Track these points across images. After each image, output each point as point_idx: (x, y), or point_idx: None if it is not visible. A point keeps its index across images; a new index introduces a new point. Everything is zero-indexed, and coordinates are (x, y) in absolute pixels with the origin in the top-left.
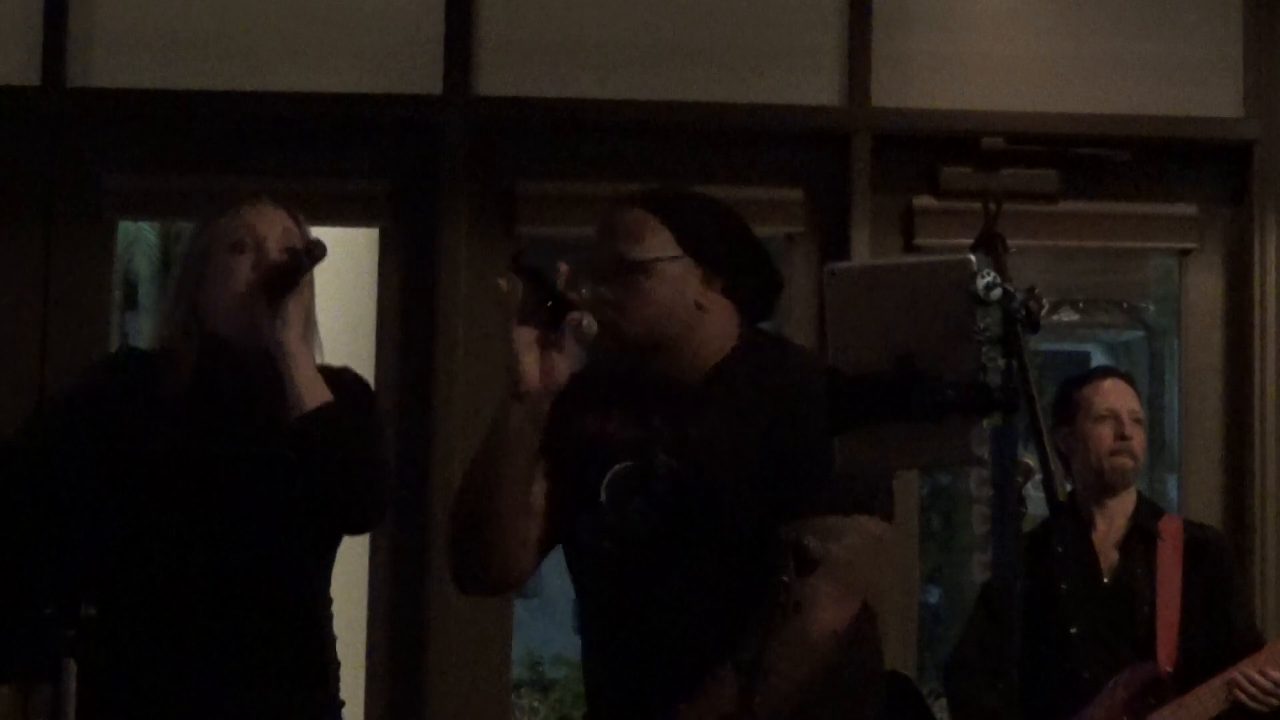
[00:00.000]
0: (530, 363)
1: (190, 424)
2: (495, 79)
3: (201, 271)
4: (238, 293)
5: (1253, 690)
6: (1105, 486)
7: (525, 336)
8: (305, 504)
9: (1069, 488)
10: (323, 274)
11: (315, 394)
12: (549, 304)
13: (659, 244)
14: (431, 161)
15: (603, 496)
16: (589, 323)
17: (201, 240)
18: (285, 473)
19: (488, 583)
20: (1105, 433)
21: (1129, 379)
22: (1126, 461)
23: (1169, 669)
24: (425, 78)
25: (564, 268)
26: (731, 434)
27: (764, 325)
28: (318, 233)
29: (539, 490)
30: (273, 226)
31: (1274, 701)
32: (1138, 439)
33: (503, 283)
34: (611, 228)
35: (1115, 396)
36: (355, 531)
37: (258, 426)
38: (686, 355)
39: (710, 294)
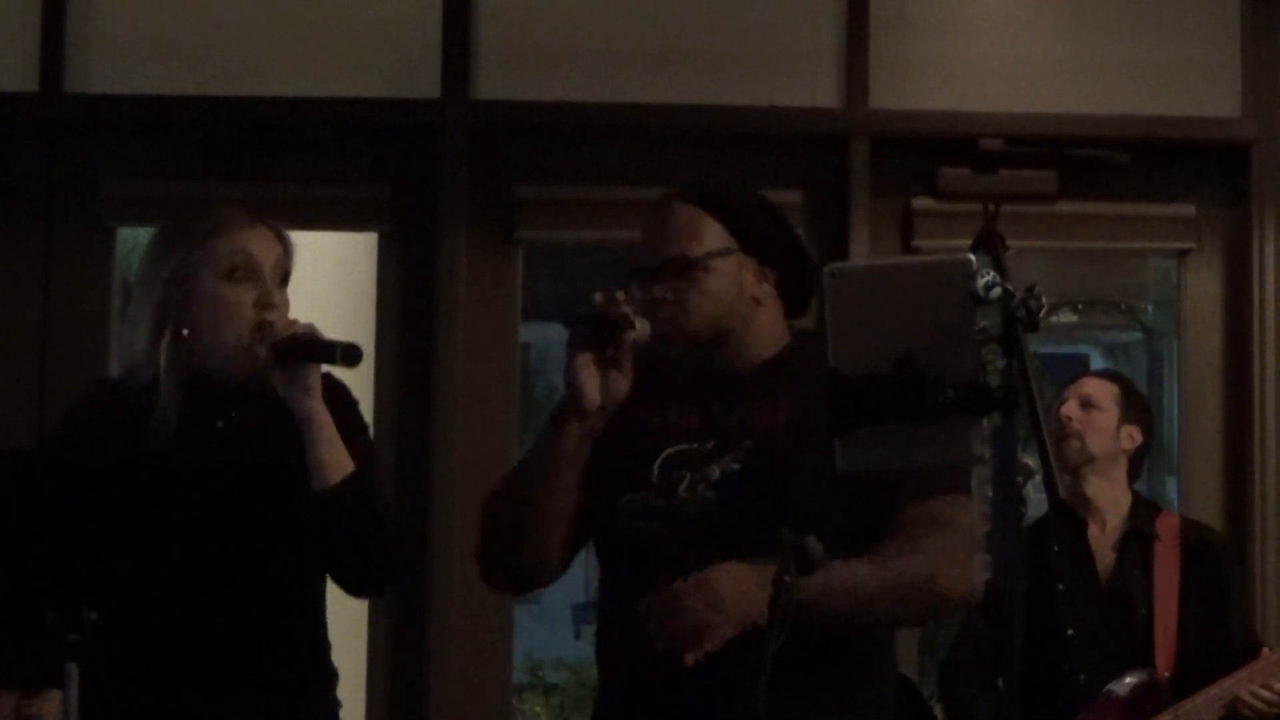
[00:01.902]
0: (590, 382)
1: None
2: (493, 83)
3: (188, 296)
4: (239, 330)
5: (1259, 705)
6: (1067, 469)
7: (583, 359)
8: (322, 570)
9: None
10: (322, 279)
11: (340, 465)
12: (601, 327)
13: (713, 239)
14: (430, 166)
15: (654, 476)
16: (642, 328)
17: (185, 260)
18: (285, 478)
19: (520, 584)
20: (1055, 421)
21: (1108, 374)
22: (1070, 441)
23: (1167, 674)
24: (424, 82)
25: (620, 295)
26: (801, 423)
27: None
28: (316, 238)
29: (580, 492)
30: (268, 253)
31: (1276, 713)
32: (1079, 419)
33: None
34: (663, 225)
35: (1070, 389)
36: (367, 596)
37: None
38: (744, 348)
39: (764, 286)
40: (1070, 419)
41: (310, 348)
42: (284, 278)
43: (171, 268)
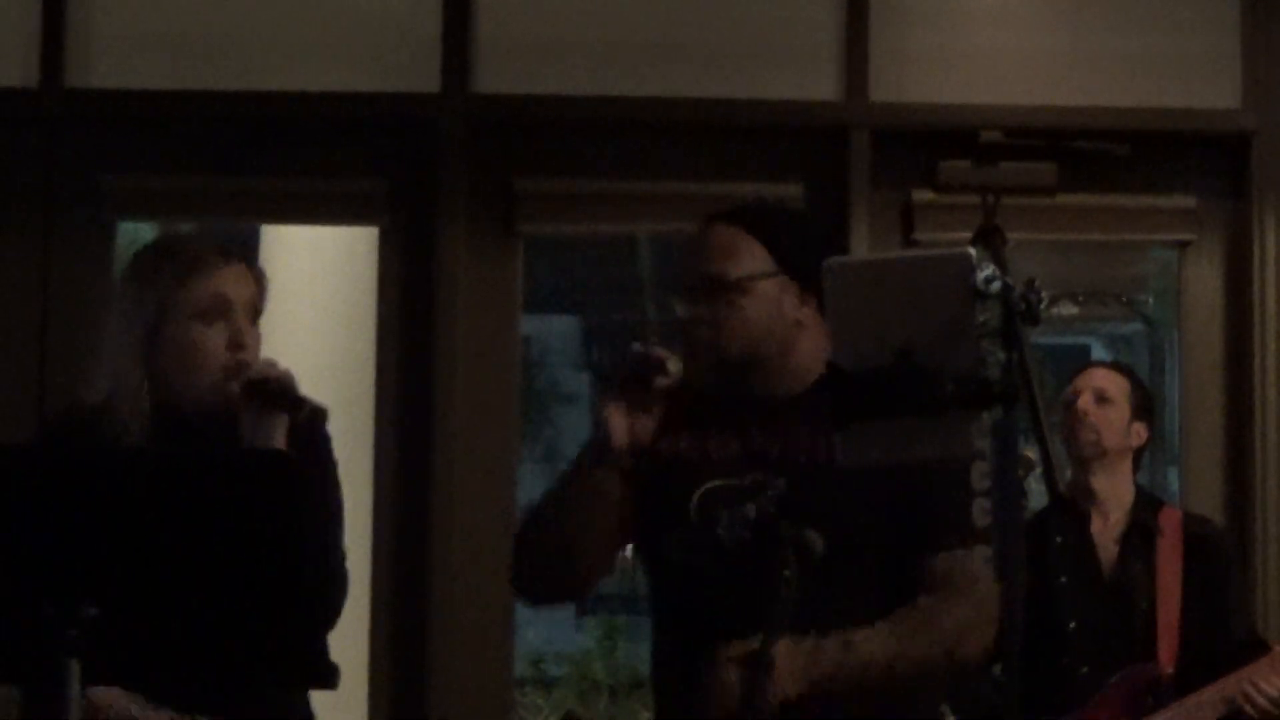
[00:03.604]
0: (618, 427)
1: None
2: (493, 77)
3: (159, 334)
4: (210, 371)
5: (1261, 700)
6: (1079, 461)
7: (614, 405)
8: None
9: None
10: (322, 273)
11: None
12: (638, 376)
13: (754, 261)
14: (430, 160)
15: (693, 513)
16: (675, 368)
17: (154, 296)
18: (283, 472)
19: (551, 599)
20: (1070, 414)
21: (1117, 366)
22: (1085, 434)
23: (1170, 669)
24: (423, 76)
25: (647, 346)
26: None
27: None
28: (317, 233)
29: (616, 512)
30: (241, 291)
31: (1276, 710)
32: (1096, 414)
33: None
34: (704, 245)
35: (1083, 379)
36: (317, 630)
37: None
38: (785, 373)
39: (806, 310)
40: (1086, 412)
41: (279, 397)
42: (256, 315)
43: (150, 309)
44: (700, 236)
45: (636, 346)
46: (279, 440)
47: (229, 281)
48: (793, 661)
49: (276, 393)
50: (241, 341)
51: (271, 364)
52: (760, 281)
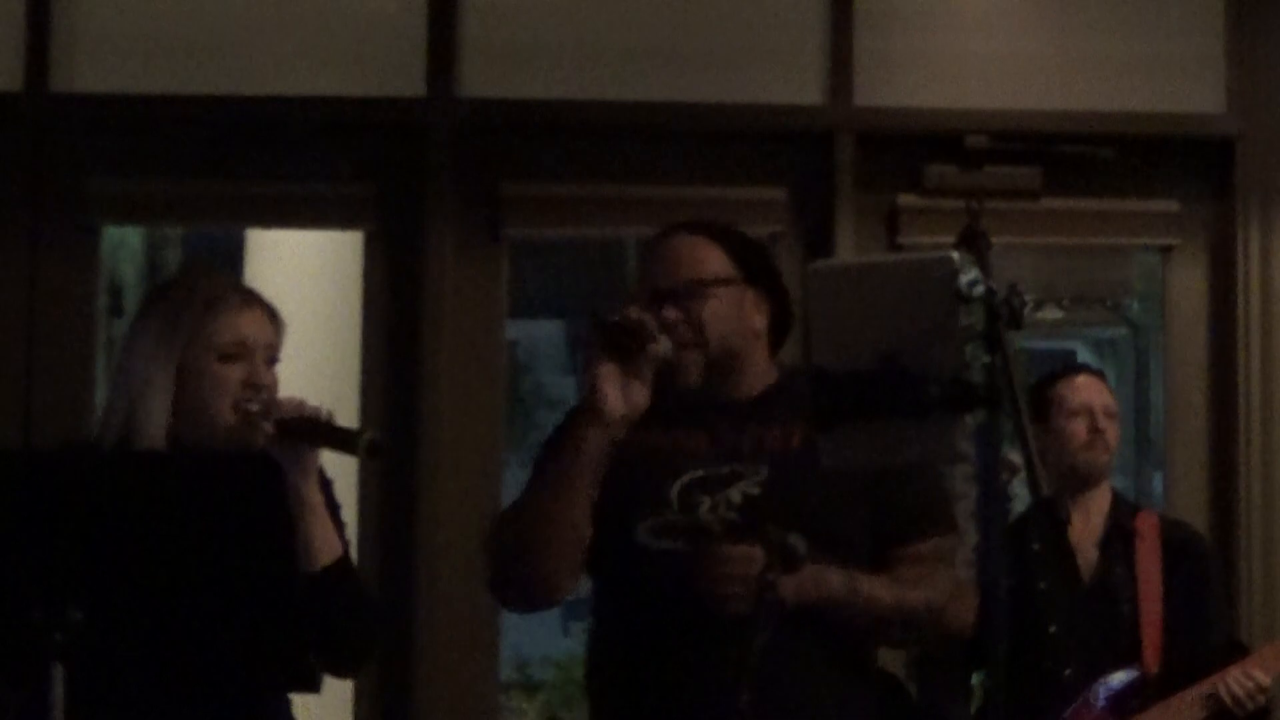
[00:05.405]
0: (613, 390)
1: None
2: (479, 81)
3: (182, 372)
4: (223, 407)
5: (1237, 692)
6: (1079, 481)
7: (607, 367)
8: (310, 649)
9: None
10: (307, 278)
11: (330, 548)
12: (628, 336)
13: (720, 266)
14: (416, 164)
15: (673, 500)
16: (666, 347)
17: (177, 331)
18: (268, 475)
19: (535, 601)
20: (1079, 428)
21: (1102, 375)
22: (1100, 456)
23: (1154, 671)
24: (409, 80)
25: (640, 310)
26: (811, 449)
27: None
28: (303, 236)
29: (594, 494)
30: (260, 335)
31: (1252, 705)
32: (1111, 433)
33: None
34: (671, 253)
35: (1088, 392)
36: (346, 676)
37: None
38: (744, 378)
39: (759, 320)
40: (1105, 430)
41: (325, 433)
42: (273, 360)
43: (158, 334)
44: (663, 246)
45: (630, 310)
46: (312, 477)
47: (250, 325)
48: (804, 575)
49: (319, 430)
50: (258, 381)
51: (301, 402)
52: (727, 286)
